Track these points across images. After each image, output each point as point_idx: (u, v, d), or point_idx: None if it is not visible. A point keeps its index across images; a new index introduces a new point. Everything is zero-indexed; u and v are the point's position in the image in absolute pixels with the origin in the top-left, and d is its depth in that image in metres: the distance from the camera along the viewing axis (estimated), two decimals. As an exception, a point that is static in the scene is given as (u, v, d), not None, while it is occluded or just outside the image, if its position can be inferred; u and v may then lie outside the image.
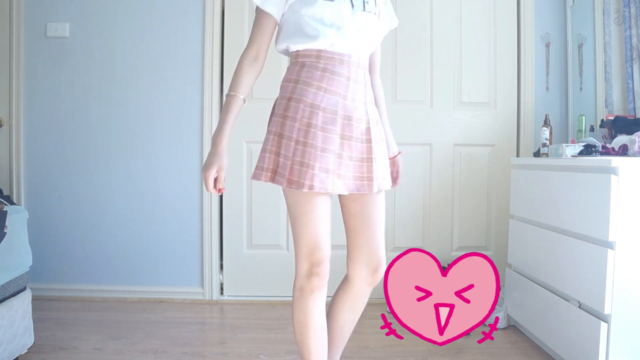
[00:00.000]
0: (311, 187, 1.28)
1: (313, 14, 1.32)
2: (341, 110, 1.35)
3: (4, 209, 1.82)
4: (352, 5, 1.35)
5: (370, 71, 1.54)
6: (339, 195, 1.46)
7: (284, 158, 1.32)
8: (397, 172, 1.61)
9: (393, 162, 1.60)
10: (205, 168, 1.31)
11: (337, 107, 1.34)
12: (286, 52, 1.43)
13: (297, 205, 1.36)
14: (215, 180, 1.31)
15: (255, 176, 1.35)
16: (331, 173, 1.32)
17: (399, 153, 1.62)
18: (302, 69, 1.36)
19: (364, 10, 1.36)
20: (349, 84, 1.36)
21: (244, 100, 1.36)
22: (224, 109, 1.35)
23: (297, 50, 1.38)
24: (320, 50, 1.35)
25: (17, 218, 1.92)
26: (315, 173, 1.29)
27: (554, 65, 2.82)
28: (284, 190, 1.37)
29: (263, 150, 1.36)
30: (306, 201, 1.34)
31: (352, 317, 1.53)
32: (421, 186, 2.84)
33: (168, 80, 2.76)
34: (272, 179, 1.34)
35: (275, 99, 1.43)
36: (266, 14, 1.36)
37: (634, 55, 2.24)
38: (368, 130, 1.39)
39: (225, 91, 2.73)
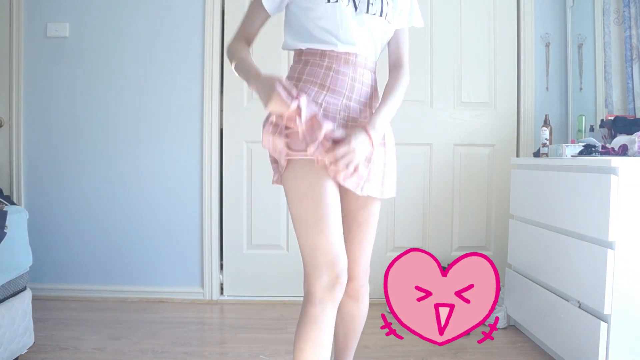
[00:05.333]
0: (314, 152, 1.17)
1: (318, 18, 1.29)
2: (344, 111, 1.30)
3: (4, 209, 1.82)
4: (356, 8, 1.30)
5: (396, 65, 1.44)
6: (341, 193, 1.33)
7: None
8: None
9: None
10: (265, 98, 1.16)
11: (339, 108, 1.30)
12: (289, 49, 1.39)
13: (310, 212, 1.25)
14: (289, 91, 1.14)
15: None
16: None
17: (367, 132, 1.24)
18: (306, 67, 1.32)
19: (367, 12, 1.31)
20: (354, 84, 1.32)
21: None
22: (240, 74, 1.30)
23: (302, 49, 1.34)
24: (325, 50, 1.31)
25: (17, 218, 1.91)
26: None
27: (554, 65, 2.82)
28: (288, 199, 1.30)
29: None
30: (319, 207, 1.24)
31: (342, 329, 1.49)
32: (421, 186, 2.84)
33: (168, 79, 2.76)
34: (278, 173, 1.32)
35: None
36: (262, 8, 1.36)
37: (634, 55, 2.24)
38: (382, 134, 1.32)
39: (226, 92, 2.77)
